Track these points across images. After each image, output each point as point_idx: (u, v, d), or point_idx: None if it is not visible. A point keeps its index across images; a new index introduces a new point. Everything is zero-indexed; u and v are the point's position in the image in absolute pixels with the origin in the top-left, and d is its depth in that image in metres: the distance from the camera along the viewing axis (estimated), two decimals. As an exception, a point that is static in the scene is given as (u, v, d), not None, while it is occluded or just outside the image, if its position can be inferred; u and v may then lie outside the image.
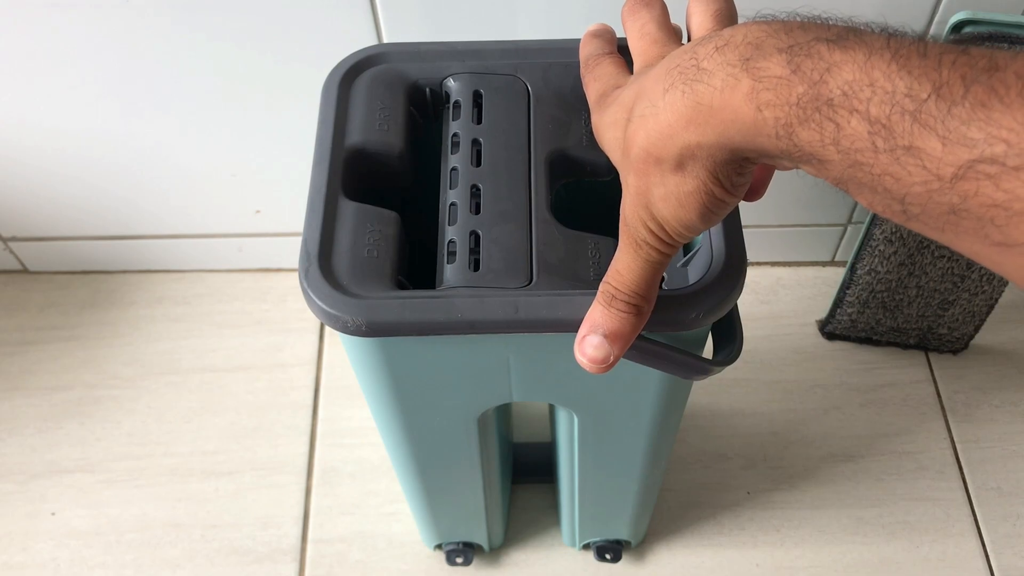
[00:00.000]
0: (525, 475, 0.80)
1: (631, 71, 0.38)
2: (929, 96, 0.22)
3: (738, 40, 0.27)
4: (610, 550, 0.74)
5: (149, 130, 0.76)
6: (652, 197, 0.31)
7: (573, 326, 0.38)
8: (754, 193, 0.37)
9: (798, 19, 0.27)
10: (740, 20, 0.30)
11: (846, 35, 0.25)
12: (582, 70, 0.41)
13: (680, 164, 0.30)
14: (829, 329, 0.88)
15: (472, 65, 0.47)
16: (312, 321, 0.89)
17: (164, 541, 0.77)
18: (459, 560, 0.74)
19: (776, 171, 0.40)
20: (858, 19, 0.27)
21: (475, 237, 0.42)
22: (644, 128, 0.30)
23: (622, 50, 0.40)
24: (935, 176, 0.23)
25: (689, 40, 0.36)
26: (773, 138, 0.26)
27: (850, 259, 0.79)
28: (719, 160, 0.29)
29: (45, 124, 0.76)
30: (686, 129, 0.29)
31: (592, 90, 0.38)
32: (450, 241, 0.42)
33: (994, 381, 0.86)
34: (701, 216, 0.31)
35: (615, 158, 0.34)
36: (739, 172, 0.30)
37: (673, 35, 0.37)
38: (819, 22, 0.27)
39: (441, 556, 0.75)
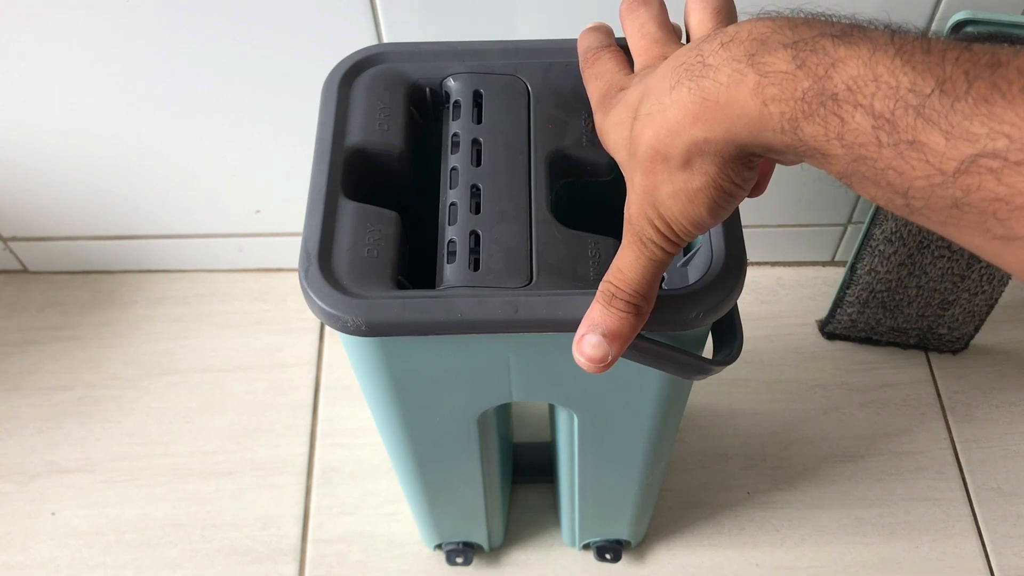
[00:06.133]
0: (525, 475, 0.80)
1: (630, 66, 0.38)
2: (932, 91, 0.23)
3: (743, 36, 0.27)
4: (610, 550, 0.74)
5: (149, 130, 0.76)
6: (660, 195, 0.31)
7: (573, 326, 0.38)
8: (756, 189, 0.37)
9: (802, 16, 0.27)
10: (744, 18, 0.30)
11: (850, 31, 0.25)
12: (581, 64, 0.41)
13: (688, 161, 0.30)
14: (829, 329, 0.88)
15: (472, 65, 0.47)
16: (312, 321, 0.89)
17: (164, 541, 0.77)
18: (459, 560, 0.74)
19: (776, 172, 0.40)
20: (861, 16, 0.27)
21: (475, 237, 0.42)
22: (651, 126, 0.30)
23: (621, 46, 0.40)
24: (938, 170, 0.23)
25: (688, 38, 0.36)
26: (779, 132, 0.26)
27: (850, 259, 0.79)
28: (727, 155, 0.29)
29: (45, 124, 0.76)
30: (693, 125, 0.29)
31: (594, 88, 0.38)
32: (450, 241, 0.42)
33: (994, 381, 0.86)
34: (711, 211, 0.31)
35: (620, 158, 0.34)
36: (748, 166, 0.30)
37: (672, 34, 0.37)
38: (823, 18, 0.27)
39: (441, 556, 0.75)
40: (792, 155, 0.27)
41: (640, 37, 0.37)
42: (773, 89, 0.26)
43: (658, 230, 0.33)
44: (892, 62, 0.24)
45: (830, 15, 0.27)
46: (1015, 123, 0.21)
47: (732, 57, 0.27)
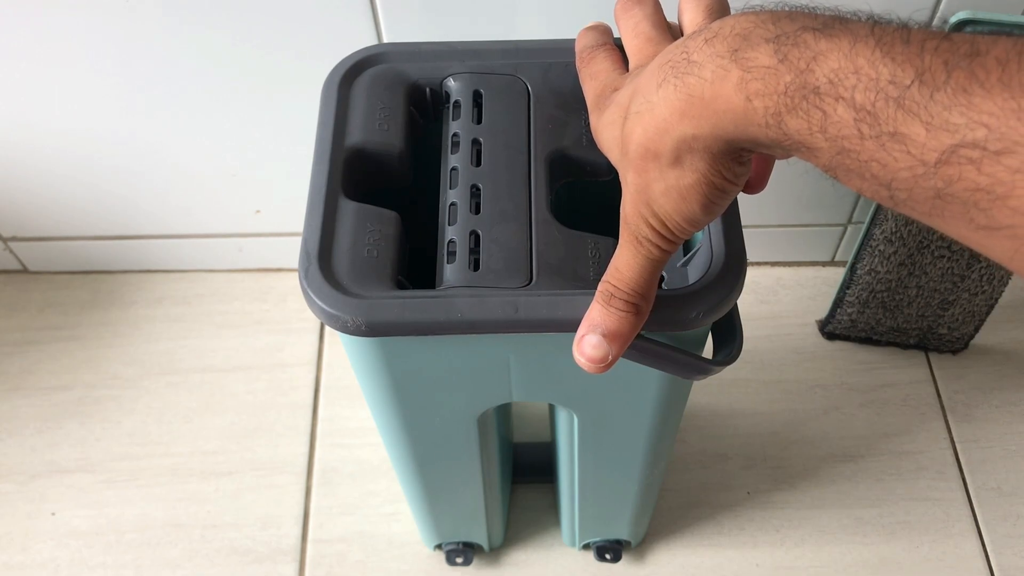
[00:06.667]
0: (525, 475, 0.80)
1: (626, 65, 0.38)
2: (912, 82, 0.23)
3: (726, 32, 0.28)
4: (610, 550, 0.74)
5: (149, 130, 0.76)
6: (653, 193, 0.31)
7: (573, 326, 0.38)
8: (754, 187, 0.37)
9: (786, 9, 0.28)
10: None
11: (832, 24, 0.26)
12: (577, 63, 0.41)
13: (678, 158, 0.30)
14: (829, 329, 0.88)
15: (472, 65, 0.47)
16: (312, 321, 0.89)
17: (164, 541, 0.77)
18: (459, 560, 0.74)
19: (776, 172, 0.40)
20: (844, 8, 0.27)
21: (475, 237, 0.42)
22: (640, 124, 0.30)
23: (618, 45, 0.40)
24: (919, 161, 0.23)
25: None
26: (763, 127, 0.26)
27: (850, 259, 0.79)
28: (715, 151, 0.29)
29: (45, 124, 0.76)
30: (680, 122, 0.29)
31: (589, 88, 0.38)
32: (450, 241, 0.42)
33: (994, 381, 0.86)
34: (703, 207, 0.31)
35: (614, 157, 0.34)
36: (739, 161, 0.30)
37: (667, 33, 0.37)
38: (806, 11, 0.27)
39: (441, 556, 0.75)
40: (779, 149, 0.27)
41: (634, 36, 0.37)
42: (756, 84, 0.26)
43: (653, 228, 0.33)
44: (872, 54, 0.24)
45: (813, 8, 0.27)
46: (993, 112, 0.21)
47: (716, 53, 0.27)
